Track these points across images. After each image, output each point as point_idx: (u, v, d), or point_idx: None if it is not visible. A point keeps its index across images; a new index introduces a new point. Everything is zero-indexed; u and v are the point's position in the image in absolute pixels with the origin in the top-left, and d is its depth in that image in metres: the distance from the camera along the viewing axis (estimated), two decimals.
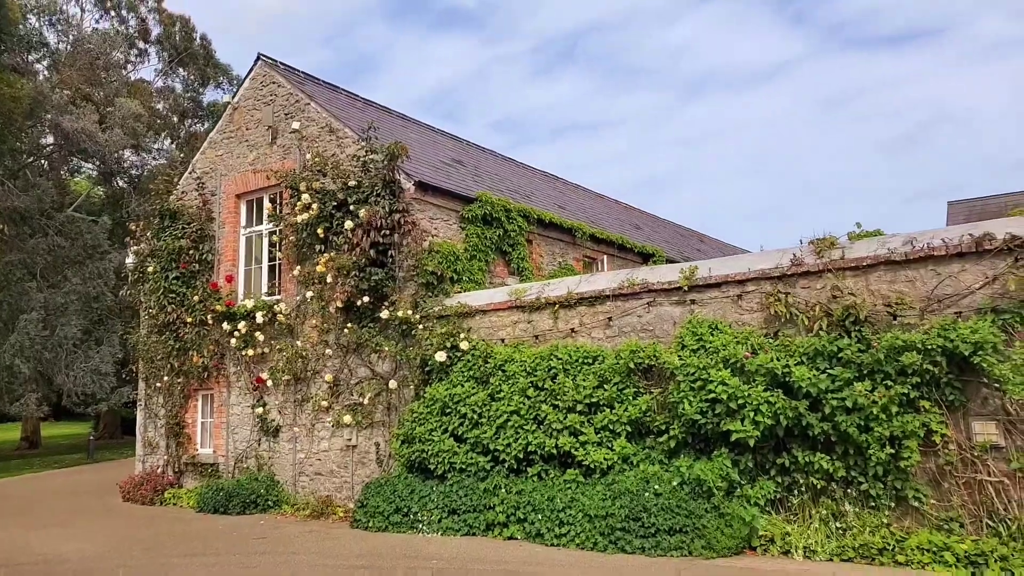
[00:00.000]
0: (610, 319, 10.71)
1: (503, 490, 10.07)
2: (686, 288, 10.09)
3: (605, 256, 17.46)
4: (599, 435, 9.89)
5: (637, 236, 21.02)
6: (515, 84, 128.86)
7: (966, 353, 7.76)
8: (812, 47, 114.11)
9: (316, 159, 13.42)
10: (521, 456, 10.29)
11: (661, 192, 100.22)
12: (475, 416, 10.68)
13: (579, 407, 10.08)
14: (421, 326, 11.88)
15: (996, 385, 7.81)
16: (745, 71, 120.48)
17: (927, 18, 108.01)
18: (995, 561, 7.34)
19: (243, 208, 15.44)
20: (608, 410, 9.91)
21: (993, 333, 7.76)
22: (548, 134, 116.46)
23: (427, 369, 11.76)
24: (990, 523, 7.79)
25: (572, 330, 11.01)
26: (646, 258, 18.80)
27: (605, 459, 9.65)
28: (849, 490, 8.49)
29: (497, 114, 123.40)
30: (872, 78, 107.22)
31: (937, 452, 8.15)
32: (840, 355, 8.51)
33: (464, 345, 11.32)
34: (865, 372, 8.34)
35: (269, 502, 12.93)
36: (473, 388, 10.98)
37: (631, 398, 9.84)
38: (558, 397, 10.24)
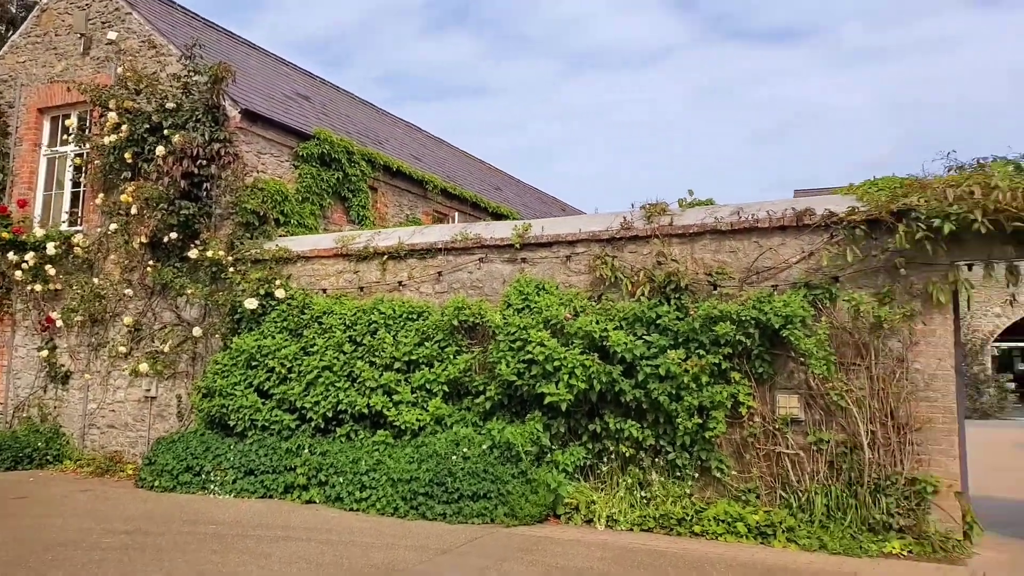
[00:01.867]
0: (440, 274, 10.12)
1: (307, 451, 9.33)
2: (518, 246, 9.63)
3: (457, 213, 16.84)
4: (415, 395, 9.33)
5: (495, 196, 20.53)
6: (405, 39, 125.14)
7: (776, 326, 7.73)
8: (695, 35, 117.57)
9: (130, 75, 11.90)
10: (330, 415, 9.58)
11: (540, 163, 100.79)
12: (284, 371, 9.84)
13: (397, 365, 9.47)
14: (233, 269, 10.81)
15: (802, 359, 7.84)
16: (631, 52, 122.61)
17: (800, 20, 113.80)
18: (782, 532, 7.40)
19: (46, 125, 13.60)
20: (427, 369, 9.36)
21: (803, 307, 7.76)
22: (433, 94, 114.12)
23: (237, 317, 10.75)
24: (783, 494, 7.87)
25: (400, 283, 10.33)
26: (500, 219, 18.33)
27: (418, 420, 9.11)
28: (657, 459, 8.37)
29: (383, 68, 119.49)
30: (747, 71, 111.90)
31: (743, 424, 8.15)
32: (658, 322, 8.32)
33: (280, 293, 10.40)
34: (680, 340, 8.19)
35: (48, 457, 11.54)
36: (285, 340, 10.11)
37: (452, 357, 9.32)
38: (376, 354, 9.57)
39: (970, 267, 7.54)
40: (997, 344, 28.14)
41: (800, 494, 7.79)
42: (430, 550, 7.01)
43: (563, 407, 8.34)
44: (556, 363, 8.34)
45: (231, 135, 11.36)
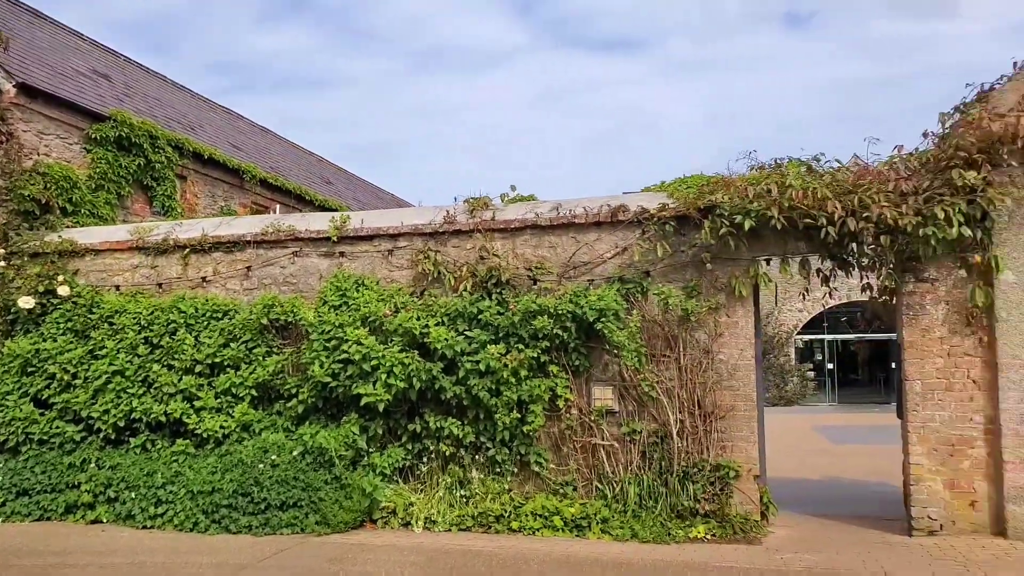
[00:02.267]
0: (250, 269, 9.42)
1: (93, 465, 8.36)
2: (335, 239, 9.15)
3: (279, 206, 15.95)
4: (219, 400, 8.61)
5: (324, 190, 19.73)
6: (239, 26, 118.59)
7: (591, 319, 7.80)
8: (536, 39, 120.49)
9: None
10: (123, 425, 8.65)
11: (383, 160, 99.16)
12: (67, 377, 8.77)
13: (199, 368, 8.69)
14: (5, 264, 9.52)
15: (616, 352, 7.97)
16: (475, 53, 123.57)
17: (633, 31, 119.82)
18: (597, 524, 7.47)
19: None
20: (234, 371, 8.66)
21: (617, 301, 7.89)
22: (269, 85, 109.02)
23: (11, 318, 9.47)
24: (599, 486, 7.97)
25: (204, 279, 9.51)
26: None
27: (222, 427, 8.41)
28: (478, 456, 8.22)
29: (215, 56, 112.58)
30: (584, 77, 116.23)
31: (560, 416, 8.17)
32: (480, 317, 8.17)
33: (63, 291, 9.26)
34: (501, 335, 8.09)
35: None
36: (69, 343, 9.01)
37: (262, 358, 8.68)
38: (175, 356, 8.74)
39: (768, 262, 7.98)
40: (800, 337, 30.78)
41: (615, 485, 7.91)
42: (228, 566, 6.44)
43: (381, 408, 7.98)
44: (374, 362, 7.97)
45: (4, 111, 10.01)
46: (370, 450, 8.23)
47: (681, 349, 7.99)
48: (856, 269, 7.77)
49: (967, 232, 6.91)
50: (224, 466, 7.98)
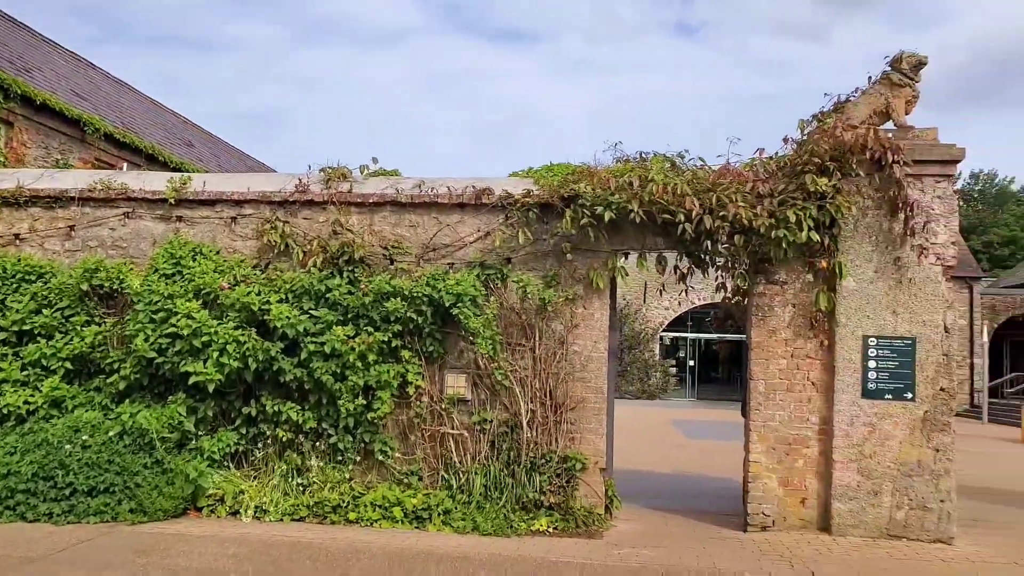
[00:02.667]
0: (73, 228, 8.46)
1: None
2: (173, 202, 8.35)
3: (127, 164, 14.67)
4: (26, 373, 7.67)
5: (184, 153, 18.40)
6: None
7: (448, 304, 7.47)
8: (431, 22, 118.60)
9: None
10: None
11: (264, 130, 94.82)
12: None
13: (3, 336, 7.72)
14: None
15: (471, 339, 7.68)
16: (367, 28, 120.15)
17: (528, 23, 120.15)
18: (438, 516, 7.18)
19: None
20: (46, 341, 7.74)
21: (475, 286, 7.59)
22: (144, 40, 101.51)
23: None
24: (446, 476, 7.68)
25: (18, 237, 8.47)
26: None
27: (27, 403, 7.50)
28: (319, 443, 7.73)
29: (81, 2, 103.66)
30: (477, 66, 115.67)
31: (410, 404, 7.81)
32: (328, 295, 7.67)
33: None
34: (350, 316, 7.62)
35: None
36: None
37: (80, 328, 7.80)
38: None
39: (626, 255, 7.92)
40: (665, 334, 31.86)
41: (461, 475, 7.65)
42: (13, 559, 5.68)
43: (211, 388, 7.34)
44: (205, 338, 7.31)
45: None
46: (199, 433, 7.57)
47: (537, 339, 7.80)
48: (712, 268, 7.85)
49: (816, 237, 7.08)
50: (25, 446, 7.10)
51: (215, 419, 7.69)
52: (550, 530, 7.12)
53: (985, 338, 26.76)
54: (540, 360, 7.79)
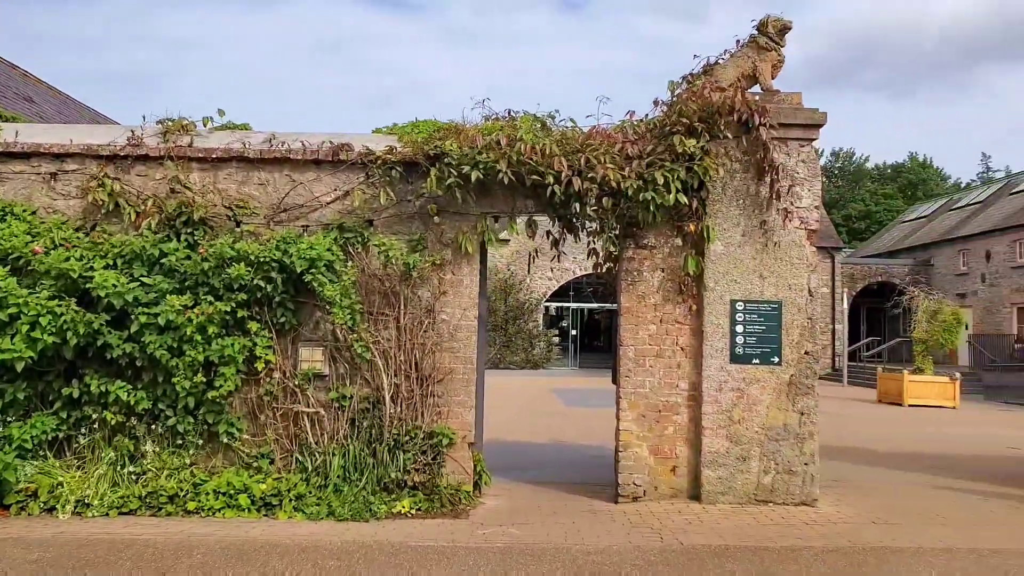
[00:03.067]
0: None
1: None
2: None
3: None
4: None
5: (22, 108, 16.48)
6: None
7: (300, 270, 6.82)
8: None
9: None
10: None
11: (131, 92, 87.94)
12: None
13: None
14: None
15: (328, 308, 7.06)
16: None
17: None
18: (289, 502, 6.59)
19: None
20: None
21: (332, 251, 6.97)
22: None
23: None
24: (300, 458, 7.08)
25: None
26: None
27: None
28: (155, 426, 6.94)
29: None
30: (363, 32, 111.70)
31: (260, 380, 7.14)
32: (164, 261, 6.85)
33: None
34: (188, 284, 6.84)
35: None
36: None
37: None
38: None
39: (496, 219, 7.50)
40: (548, 304, 32.00)
41: (318, 456, 7.07)
42: None
43: (21, 367, 6.39)
44: (12, 310, 6.34)
45: None
46: (8, 419, 6.61)
47: (402, 307, 7.28)
48: (583, 232, 7.55)
49: (684, 200, 6.89)
50: None
51: (28, 402, 6.74)
52: (413, 512, 6.67)
53: (845, 305, 28.41)
54: (405, 330, 7.28)
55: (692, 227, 7.11)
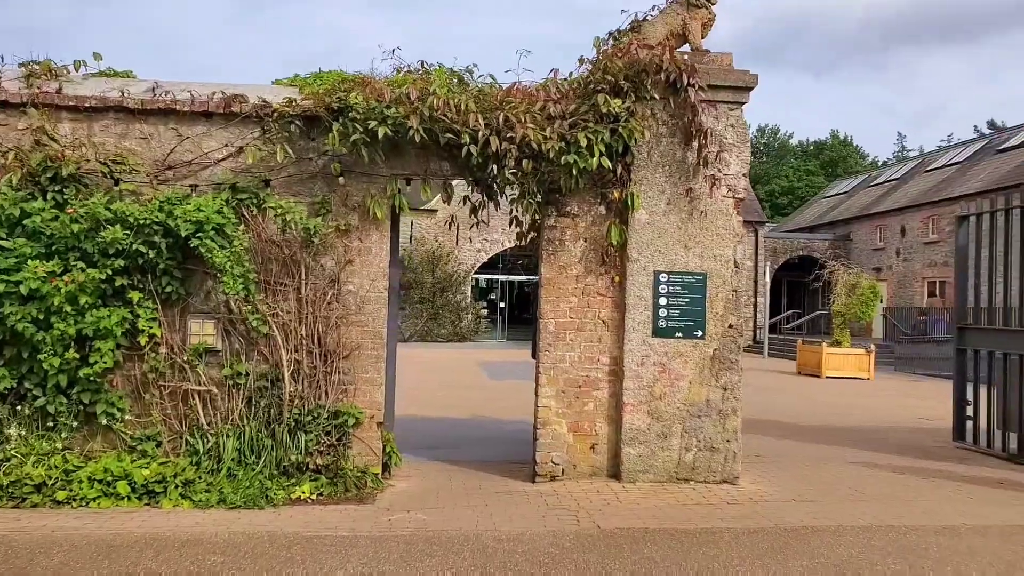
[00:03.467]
0: None
1: None
2: None
3: None
4: None
5: None
6: None
7: (185, 234, 6.14)
8: None
9: None
10: None
11: (40, 48, 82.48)
12: None
13: None
14: None
15: (219, 276, 6.41)
16: None
17: None
18: (175, 488, 5.98)
19: None
20: None
21: (222, 213, 6.31)
22: None
23: None
24: (190, 440, 6.46)
25: None
26: None
27: None
28: (21, 407, 6.20)
29: None
30: None
31: (144, 356, 6.46)
32: (27, 222, 6.06)
33: None
34: (57, 249, 6.08)
35: None
36: None
37: None
38: None
39: (409, 181, 6.94)
40: (477, 276, 31.52)
41: (210, 439, 6.46)
42: None
43: None
44: None
45: None
46: None
47: (303, 277, 6.68)
48: (503, 198, 7.07)
49: (607, 164, 6.48)
50: None
51: None
52: (314, 497, 6.16)
53: (767, 278, 28.89)
54: (307, 302, 6.69)
55: (616, 194, 6.72)
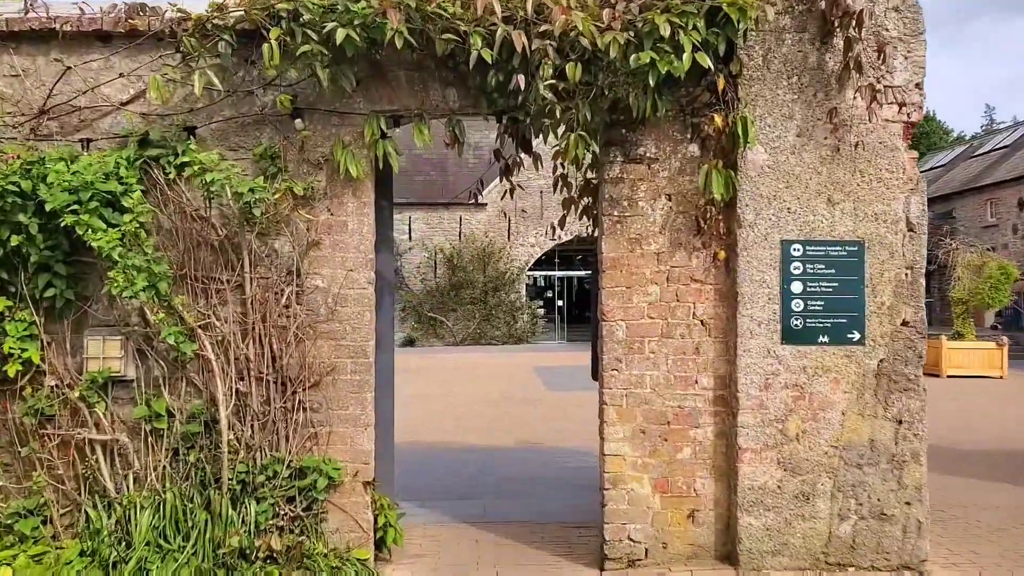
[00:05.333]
0: None
1: None
2: None
3: None
4: None
5: None
6: None
7: (57, 207, 4.05)
8: None
9: None
10: None
11: None
12: None
13: None
14: None
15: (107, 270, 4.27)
16: None
17: None
18: None
19: None
20: None
21: (118, 174, 4.25)
22: None
23: None
24: (91, 513, 4.34)
25: None
26: None
27: None
28: None
29: None
30: None
31: (19, 391, 4.40)
32: None
33: None
34: None
35: None
36: None
37: None
38: None
39: (397, 120, 4.67)
40: (531, 273, 29.20)
41: (119, 509, 4.34)
42: None
43: None
44: None
45: None
46: None
47: (248, 269, 4.50)
48: (543, 143, 4.72)
49: (706, 62, 4.03)
50: None
51: None
52: None
53: None
54: (254, 305, 4.50)
55: (718, 121, 4.29)
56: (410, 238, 27.13)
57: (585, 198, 5.23)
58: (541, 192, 26.65)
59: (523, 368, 18.34)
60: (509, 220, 27.05)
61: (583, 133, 4.16)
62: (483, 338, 26.92)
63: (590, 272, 30.50)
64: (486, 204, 26.51)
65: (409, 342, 26.39)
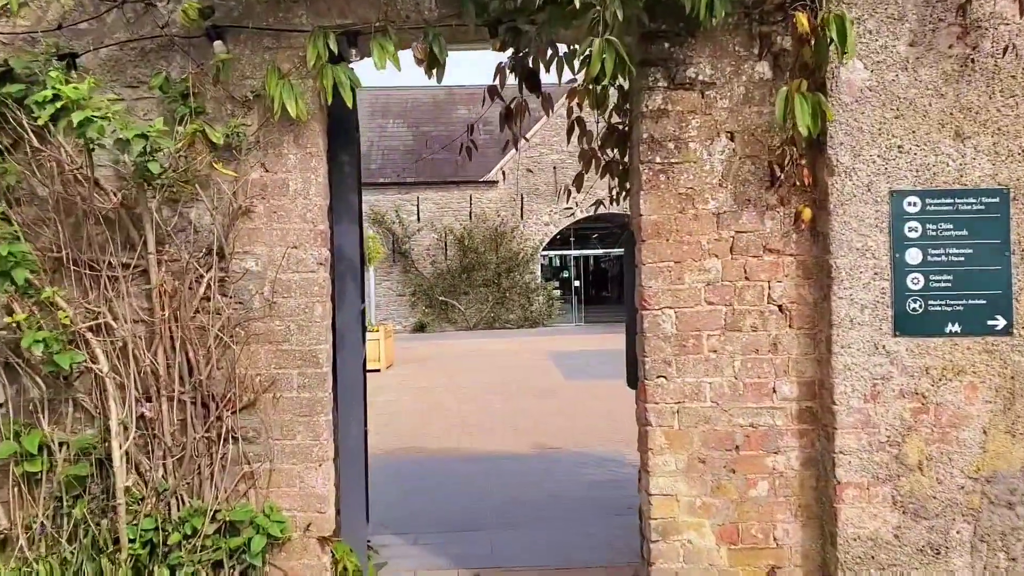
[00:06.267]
0: None
1: None
2: None
3: None
4: None
5: None
6: None
7: None
8: None
9: None
10: None
11: None
12: None
13: None
14: None
15: None
16: None
17: None
18: None
19: None
20: None
21: None
22: None
23: None
24: None
25: None
26: None
27: None
28: None
29: None
30: None
31: None
32: None
33: None
34: None
35: None
36: None
37: None
38: None
39: (354, 38, 3.40)
40: (546, 253, 27.93)
41: None
42: None
43: None
44: None
45: None
46: None
47: (151, 249, 3.29)
48: (555, 76, 3.45)
49: None
50: None
51: None
52: None
53: None
54: (163, 298, 3.29)
55: (803, 21, 2.98)
56: (418, 219, 25.96)
57: (609, 150, 3.98)
58: (555, 167, 25.37)
59: (539, 354, 17.13)
60: (522, 197, 25.80)
61: (612, 38, 2.86)
62: (497, 322, 25.76)
63: (608, 252, 29.42)
64: (497, 182, 25.21)
65: (420, 328, 25.32)
